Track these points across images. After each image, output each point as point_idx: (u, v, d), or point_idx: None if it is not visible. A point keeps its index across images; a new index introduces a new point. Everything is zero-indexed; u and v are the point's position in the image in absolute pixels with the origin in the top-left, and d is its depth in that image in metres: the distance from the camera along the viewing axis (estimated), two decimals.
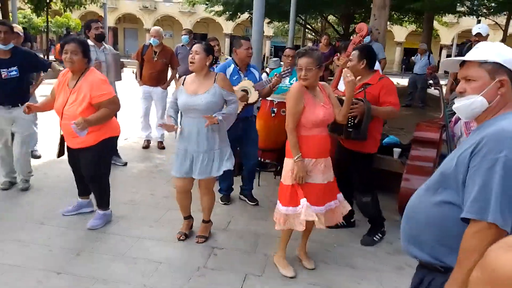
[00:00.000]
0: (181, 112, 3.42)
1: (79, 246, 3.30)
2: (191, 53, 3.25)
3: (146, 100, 6.14)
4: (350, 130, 3.39)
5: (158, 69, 5.95)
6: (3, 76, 4.04)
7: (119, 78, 5.34)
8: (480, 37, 5.16)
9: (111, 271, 2.99)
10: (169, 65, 6.10)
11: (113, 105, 3.48)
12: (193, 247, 3.39)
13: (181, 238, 3.48)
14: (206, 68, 3.30)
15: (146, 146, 6.31)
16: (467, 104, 1.54)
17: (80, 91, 3.37)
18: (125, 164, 5.45)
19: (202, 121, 3.18)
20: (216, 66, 5.56)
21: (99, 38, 5.05)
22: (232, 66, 4.17)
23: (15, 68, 4.07)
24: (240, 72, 4.15)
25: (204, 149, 3.26)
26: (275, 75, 4.14)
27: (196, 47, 3.25)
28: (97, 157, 3.53)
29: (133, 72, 6.51)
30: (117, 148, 5.50)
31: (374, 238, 3.62)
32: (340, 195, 3.18)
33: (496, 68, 1.49)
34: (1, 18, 18.64)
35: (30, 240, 3.35)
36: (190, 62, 3.23)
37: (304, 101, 2.91)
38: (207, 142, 3.26)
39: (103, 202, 3.73)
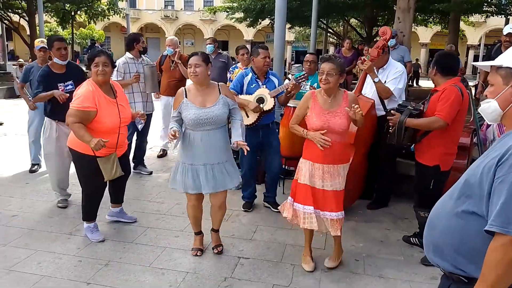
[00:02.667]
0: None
1: (107, 257, 3.33)
2: (189, 67, 3.15)
3: (166, 110, 6.20)
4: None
5: (177, 77, 6.01)
6: (60, 90, 4.10)
7: (156, 89, 5.46)
8: (511, 37, 4.99)
9: (139, 281, 3.01)
10: None
11: None
12: (219, 257, 3.37)
13: (198, 254, 3.39)
14: (208, 79, 3.26)
15: (161, 155, 6.38)
16: (486, 108, 1.56)
17: (122, 98, 3.60)
18: (151, 173, 5.50)
19: (212, 133, 3.18)
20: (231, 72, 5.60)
21: (144, 52, 5.25)
22: (250, 74, 4.16)
23: (70, 82, 4.14)
24: (258, 80, 4.14)
25: (216, 161, 3.21)
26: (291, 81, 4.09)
27: (195, 59, 3.14)
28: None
29: None
30: (144, 157, 5.59)
31: (411, 239, 3.62)
32: (340, 213, 3.10)
33: (510, 73, 1.48)
34: (28, 32, 19.33)
35: (60, 251, 3.41)
36: (194, 75, 3.15)
37: (309, 108, 3.11)
38: (219, 154, 3.22)
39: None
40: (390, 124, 3.46)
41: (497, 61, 1.53)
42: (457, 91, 3.22)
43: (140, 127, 4.02)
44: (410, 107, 3.42)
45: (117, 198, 3.92)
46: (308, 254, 3.27)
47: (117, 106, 3.47)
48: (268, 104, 4.04)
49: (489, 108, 1.54)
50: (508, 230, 1.33)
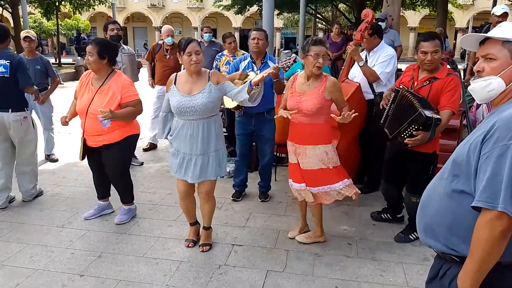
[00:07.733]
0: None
1: (100, 248, 3.32)
2: (189, 54, 3.02)
3: (160, 100, 6.05)
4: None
5: (171, 65, 5.91)
6: None
7: (135, 78, 5.35)
8: (504, 18, 5.00)
9: (134, 272, 3.00)
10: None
11: (139, 106, 3.62)
12: (213, 245, 3.37)
13: (190, 245, 3.34)
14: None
15: (147, 149, 6.16)
16: (484, 85, 1.48)
17: (108, 91, 3.48)
18: (142, 163, 5.48)
19: (197, 123, 3.06)
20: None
21: (114, 39, 5.05)
22: (248, 59, 4.09)
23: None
24: (254, 65, 4.06)
25: (199, 152, 3.09)
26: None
27: (196, 46, 3.04)
28: (123, 153, 3.68)
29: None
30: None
31: (410, 236, 3.46)
32: (330, 186, 3.20)
33: None
34: (12, 24, 18.94)
35: (53, 243, 3.38)
36: (196, 63, 3.03)
37: (288, 89, 3.27)
38: (202, 145, 3.08)
39: (129, 197, 3.85)
40: (414, 143, 3.09)
41: (502, 34, 1.46)
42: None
43: (104, 126, 3.46)
44: (436, 117, 2.98)
45: (122, 196, 3.87)
46: (298, 226, 3.52)
47: (94, 94, 3.48)
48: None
49: (490, 85, 1.46)
50: (494, 204, 1.32)
